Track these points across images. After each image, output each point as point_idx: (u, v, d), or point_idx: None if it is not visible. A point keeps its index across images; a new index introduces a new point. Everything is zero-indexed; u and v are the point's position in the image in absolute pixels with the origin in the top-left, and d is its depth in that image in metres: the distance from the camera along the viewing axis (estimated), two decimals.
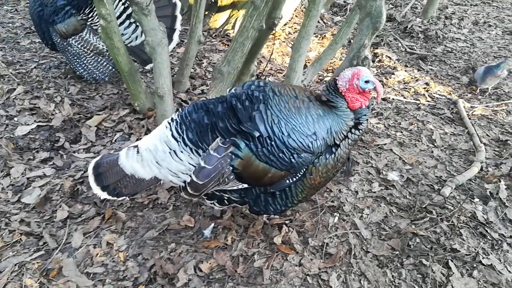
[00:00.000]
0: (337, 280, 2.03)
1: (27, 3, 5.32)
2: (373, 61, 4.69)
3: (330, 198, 2.57)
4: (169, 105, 2.73)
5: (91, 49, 3.38)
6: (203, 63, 4.22)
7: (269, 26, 2.82)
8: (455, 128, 3.48)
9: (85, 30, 3.33)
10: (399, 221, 2.41)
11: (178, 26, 3.38)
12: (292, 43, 2.92)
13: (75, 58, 3.41)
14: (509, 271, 2.11)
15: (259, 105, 1.75)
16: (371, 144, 3.15)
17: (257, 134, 1.71)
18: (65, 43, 3.33)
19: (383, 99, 3.87)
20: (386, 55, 4.83)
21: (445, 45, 5.23)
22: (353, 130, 1.88)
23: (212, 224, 2.29)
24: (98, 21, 2.94)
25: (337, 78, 1.87)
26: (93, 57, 3.44)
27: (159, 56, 2.60)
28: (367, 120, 1.91)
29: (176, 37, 3.39)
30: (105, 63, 3.49)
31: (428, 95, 4.04)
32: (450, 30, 5.72)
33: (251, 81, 1.90)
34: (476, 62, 4.73)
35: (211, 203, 2.06)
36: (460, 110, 3.68)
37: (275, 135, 1.72)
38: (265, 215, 2.30)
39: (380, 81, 4.18)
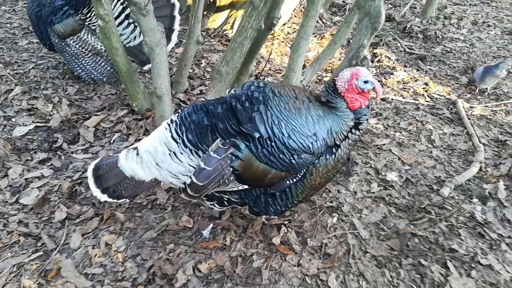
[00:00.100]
0: (336, 280, 2.02)
1: (25, 3, 5.31)
2: (372, 61, 4.69)
3: (329, 198, 2.57)
4: (167, 105, 2.73)
5: (89, 49, 3.38)
6: (201, 63, 4.22)
7: (268, 26, 2.82)
8: (454, 128, 3.48)
9: (83, 31, 3.33)
10: (398, 222, 2.41)
11: (176, 26, 3.37)
12: (291, 43, 2.92)
13: (73, 58, 3.40)
14: (508, 271, 2.11)
15: (259, 106, 1.75)
16: (370, 145, 3.15)
17: (257, 135, 1.71)
18: (63, 44, 3.32)
19: (382, 99, 3.87)
20: (385, 55, 4.83)
21: (444, 45, 5.24)
22: (353, 130, 1.87)
23: (211, 225, 2.28)
24: (96, 22, 2.93)
25: (336, 78, 1.87)
26: (91, 57, 3.43)
27: (157, 56, 2.60)
28: (367, 120, 1.91)
29: (174, 37, 3.39)
30: (103, 63, 3.48)
31: (427, 95, 4.04)
32: (449, 30, 5.72)
33: (250, 82, 1.90)
34: (475, 62, 4.74)
35: (210, 204, 2.06)
36: (459, 110, 3.68)
37: (275, 136, 1.72)
38: (264, 216, 2.30)
39: (379, 81, 4.18)
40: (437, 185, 2.74)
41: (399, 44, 5.17)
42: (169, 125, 1.86)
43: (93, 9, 3.00)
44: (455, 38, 5.49)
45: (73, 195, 2.47)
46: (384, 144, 3.16)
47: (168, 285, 1.96)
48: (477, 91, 4.12)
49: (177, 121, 1.84)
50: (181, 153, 1.81)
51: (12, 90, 3.36)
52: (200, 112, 1.82)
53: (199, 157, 1.80)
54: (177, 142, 1.81)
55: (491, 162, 3.00)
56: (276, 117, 1.73)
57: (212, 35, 4.94)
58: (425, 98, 3.99)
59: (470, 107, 3.82)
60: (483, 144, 3.19)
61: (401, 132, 3.38)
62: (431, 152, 3.13)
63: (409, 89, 4.15)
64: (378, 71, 4.56)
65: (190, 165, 1.83)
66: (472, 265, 2.12)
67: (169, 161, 1.83)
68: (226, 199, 1.99)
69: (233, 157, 1.73)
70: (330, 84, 1.88)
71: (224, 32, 5.01)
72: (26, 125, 2.99)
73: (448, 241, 2.26)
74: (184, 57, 3.44)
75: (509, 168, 2.87)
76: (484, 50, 5.20)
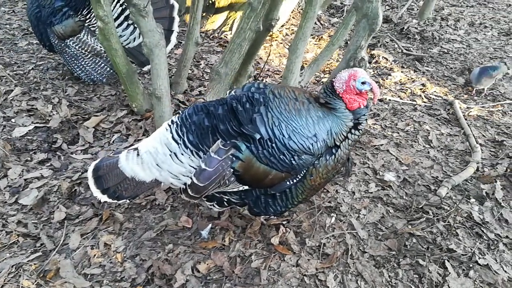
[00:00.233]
0: (334, 280, 2.04)
1: (24, 4, 5.31)
2: (370, 62, 4.71)
3: (327, 198, 2.58)
4: (166, 106, 2.74)
5: (88, 50, 3.39)
6: (200, 64, 4.23)
7: (266, 27, 2.84)
8: (451, 128, 3.50)
9: (83, 32, 3.34)
10: (396, 222, 2.43)
11: (175, 27, 3.38)
12: (289, 44, 2.93)
13: (73, 59, 3.40)
14: (505, 271, 2.12)
15: (260, 107, 1.76)
16: (368, 145, 3.17)
17: (258, 136, 1.72)
18: (62, 45, 3.33)
19: (380, 100, 3.89)
20: (383, 56, 4.85)
21: (441, 46, 5.26)
22: (352, 131, 1.89)
23: (210, 225, 2.29)
24: (95, 23, 2.94)
25: (334, 80, 1.88)
26: (90, 58, 3.44)
27: (156, 57, 2.61)
28: (366, 120, 1.93)
29: (173, 38, 3.40)
30: (102, 64, 3.49)
31: (425, 96, 4.06)
32: (446, 31, 5.75)
33: (251, 83, 1.91)
34: (472, 63, 4.77)
35: (210, 205, 2.07)
36: (456, 110, 3.70)
37: (275, 137, 1.73)
38: (263, 216, 2.31)
39: (376, 82, 4.20)
40: (434, 185, 2.76)
41: (396, 45, 5.19)
42: (169, 126, 1.86)
43: (92, 10, 3.01)
44: (452, 39, 5.52)
45: (73, 195, 2.47)
46: (381, 145, 3.18)
47: (167, 285, 1.97)
48: (474, 92, 4.14)
49: (178, 122, 1.85)
50: (182, 154, 1.82)
51: (12, 90, 3.36)
52: (201, 113, 1.83)
53: (200, 158, 1.81)
54: (178, 143, 1.81)
55: (488, 162, 3.02)
56: (277, 118, 1.74)
57: (211, 36, 4.95)
58: (422, 98, 4.01)
59: (467, 107, 3.84)
60: (480, 144, 3.21)
61: (398, 133, 3.40)
62: (428, 152, 3.15)
63: (407, 90, 4.17)
64: (375, 72, 4.57)
65: (191, 166, 1.83)
66: (470, 265, 2.14)
67: (170, 162, 1.84)
68: (226, 199, 2.00)
69: (233, 158, 1.74)
70: (328, 85, 1.89)
71: (223, 34, 5.02)
72: (25, 126, 3.00)
73: (446, 241, 2.28)
74: (183, 58, 3.45)
75: (506, 168, 2.89)
76: (481, 51, 5.23)
